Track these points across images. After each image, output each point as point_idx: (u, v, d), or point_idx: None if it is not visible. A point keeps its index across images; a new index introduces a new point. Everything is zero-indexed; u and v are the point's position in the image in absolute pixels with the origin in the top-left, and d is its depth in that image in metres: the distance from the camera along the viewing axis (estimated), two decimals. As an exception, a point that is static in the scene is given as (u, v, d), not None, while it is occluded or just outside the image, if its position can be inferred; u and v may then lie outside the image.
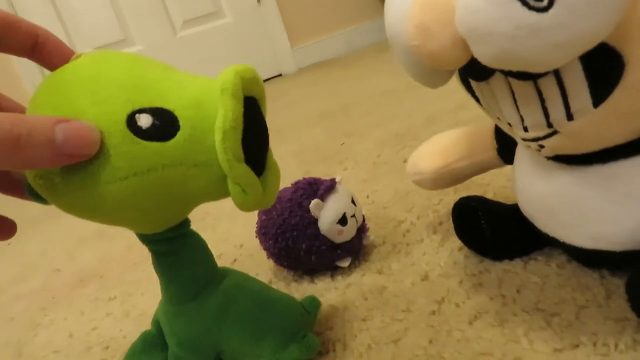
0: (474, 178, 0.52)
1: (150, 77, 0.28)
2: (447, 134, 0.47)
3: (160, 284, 0.35)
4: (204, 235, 0.37)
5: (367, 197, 0.64)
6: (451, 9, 0.26)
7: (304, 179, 0.49)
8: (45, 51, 0.29)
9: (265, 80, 2.07)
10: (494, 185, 0.56)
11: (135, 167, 0.26)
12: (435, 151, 0.46)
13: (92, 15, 1.84)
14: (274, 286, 0.50)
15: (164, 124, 0.26)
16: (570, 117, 0.29)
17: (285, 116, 1.33)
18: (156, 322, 0.38)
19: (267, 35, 2.07)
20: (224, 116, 0.26)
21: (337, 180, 0.48)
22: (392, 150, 0.80)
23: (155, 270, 0.35)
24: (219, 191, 0.28)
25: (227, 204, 0.30)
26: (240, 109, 0.27)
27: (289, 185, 0.50)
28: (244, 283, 0.38)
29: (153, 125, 0.26)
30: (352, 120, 1.07)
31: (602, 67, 0.27)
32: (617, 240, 0.33)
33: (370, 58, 1.80)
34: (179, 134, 0.26)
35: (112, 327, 0.52)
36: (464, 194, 0.54)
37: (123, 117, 0.26)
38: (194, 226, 0.36)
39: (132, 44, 1.91)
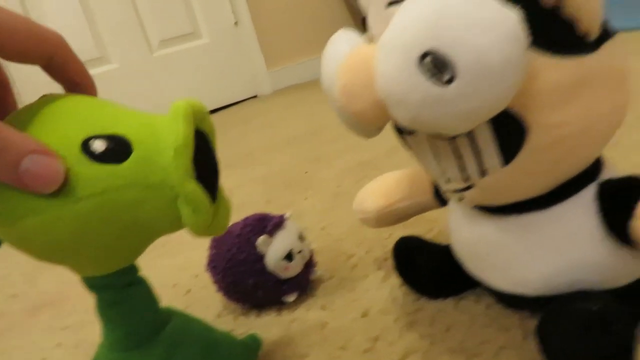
0: (424, 214, 0.54)
1: (106, 109, 0.29)
2: (390, 175, 0.49)
3: (104, 329, 0.36)
4: (162, 262, 0.37)
5: (323, 229, 0.66)
6: (372, 73, 0.29)
7: (254, 214, 0.51)
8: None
9: (240, 102, 2.09)
10: (441, 221, 0.59)
11: (90, 189, 0.26)
12: (378, 191, 0.48)
13: (67, 33, 1.79)
14: (223, 320, 0.51)
15: (118, 148, 0.27)
16: (483, 173, 0.32)
17: (257, 139, 1.35)
18: None
19: (243, 57, 2.10)
20: (175, 134, 0.27)
21: (286, 216, 0.50)
22: (353, 179, 0.82)
23: (99, 316, 0.35)
24: (171, 216, 0.29)
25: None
26: (190, 130, 0.28)
27: (250, 214, 0.51)
28: (189, 326, 0.39)
29: (107, 149, 0.27)
30: (320, 145, 1.09)
31: (508, 130, 0.29)
32: (533, 286, 0.35)
33: (344, 82, 1.83)
34: (132, 156, 0.27)
35: (61, 359, 0.53)
36: (412, 229, 0.56)
37: (78, 142, 0.26)
38: (154, 251, 0.35)
39: (108, 62, 1.91)
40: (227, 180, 1.17)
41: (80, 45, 1.85)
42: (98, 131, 0.27)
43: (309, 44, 2.16)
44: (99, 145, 0.27)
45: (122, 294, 0.34)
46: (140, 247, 0.33)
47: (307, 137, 1.21)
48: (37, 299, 0.70)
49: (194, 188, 0.28)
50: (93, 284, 0.33)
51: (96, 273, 0.33)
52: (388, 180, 0.49)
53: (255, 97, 2.12)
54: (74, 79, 0.32)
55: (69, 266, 0.32)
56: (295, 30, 2.14)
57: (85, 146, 0.27)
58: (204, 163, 0.30)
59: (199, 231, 0.30)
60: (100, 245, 0.29)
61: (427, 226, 0.58)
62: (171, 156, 0.27)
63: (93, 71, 1.89)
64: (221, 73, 2.06)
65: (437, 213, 0.59)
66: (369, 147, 0.97)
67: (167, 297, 0.59)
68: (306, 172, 0.93)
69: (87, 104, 0.30)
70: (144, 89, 1.95)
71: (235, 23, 2.06)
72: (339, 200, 0.75)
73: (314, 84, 2.02)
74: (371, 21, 0.33)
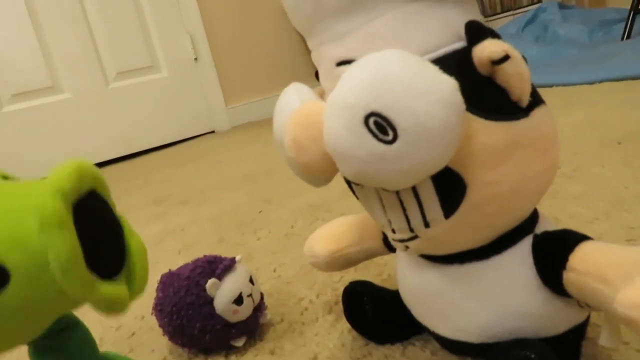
0: (375, 258, 0.55)
1: None
2: (341, 220, 0.50)
3: None
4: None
5: (274, 270, 0.66)
6: (321, 127, 0.30)
7: (205, 256, 0.51)
8: None
9: (197, 136, 2.08)
10: (391, 265, 0.60)
11: None
12: (328, 236, 0.49)
13: (18, 59, 1.79)
14: (168, 365, 0.50)
15: None
16: (427, 225, 0.33)
17: (211, 176, 1.34)
18: None
19: (202, 92, 2.11)
20: (56, 255, 0.24)
21: (237, 259, 0.50)
22: (306, 221, 0.83)
23: None
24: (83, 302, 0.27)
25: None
26: (71, 237, 0.24)
27: (201, 255, 0.51)
28: None
29: None
30: (274, 185, 1.10)
31: (448, 186, 0.31)
32: (474, 333, 0.36)
33: (301, 121, 1.86)
34: (11, 283, 0.24)
35: (-10, 408, 0.50)
36: (364, 273, 0.57)
37: None
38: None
39: (60, 91, 1.87)
40: (179, 217, 1.15)
41: (32, 73, 1.81)
42: None
43: (268, 81, 2.20)
44: None
45: (55, 340, 0.33)
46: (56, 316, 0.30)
47: (262, 176, 1.21)
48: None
49: (101, 292, 0.25)
50: None
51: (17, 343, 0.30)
52: (338, 225, 0.50)
53: (212, 132, 2.12)
54: None
55: None
56: (254, 67, 2.17)
57: None
58: (100, 226, 0.27)
59: (121, 311, 0.28)
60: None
61: (377, 270, 0.59)
62: (60, 278, 0.24)
63: (43, 100, 1.85)
64: (179, 107, 2.06)
65: (388, 257, 0.61)
66: (322, 189, 0.98)
67: (110, 339, 0.57)
68: (260, 212, 0.93)
69: None
70: (97, 120, 1.91)
71: (195, 59, 2.07)
72: (292, 241, 0.75)
73: (271, 121, 2.04)
74: (322, 77, 0.35)
